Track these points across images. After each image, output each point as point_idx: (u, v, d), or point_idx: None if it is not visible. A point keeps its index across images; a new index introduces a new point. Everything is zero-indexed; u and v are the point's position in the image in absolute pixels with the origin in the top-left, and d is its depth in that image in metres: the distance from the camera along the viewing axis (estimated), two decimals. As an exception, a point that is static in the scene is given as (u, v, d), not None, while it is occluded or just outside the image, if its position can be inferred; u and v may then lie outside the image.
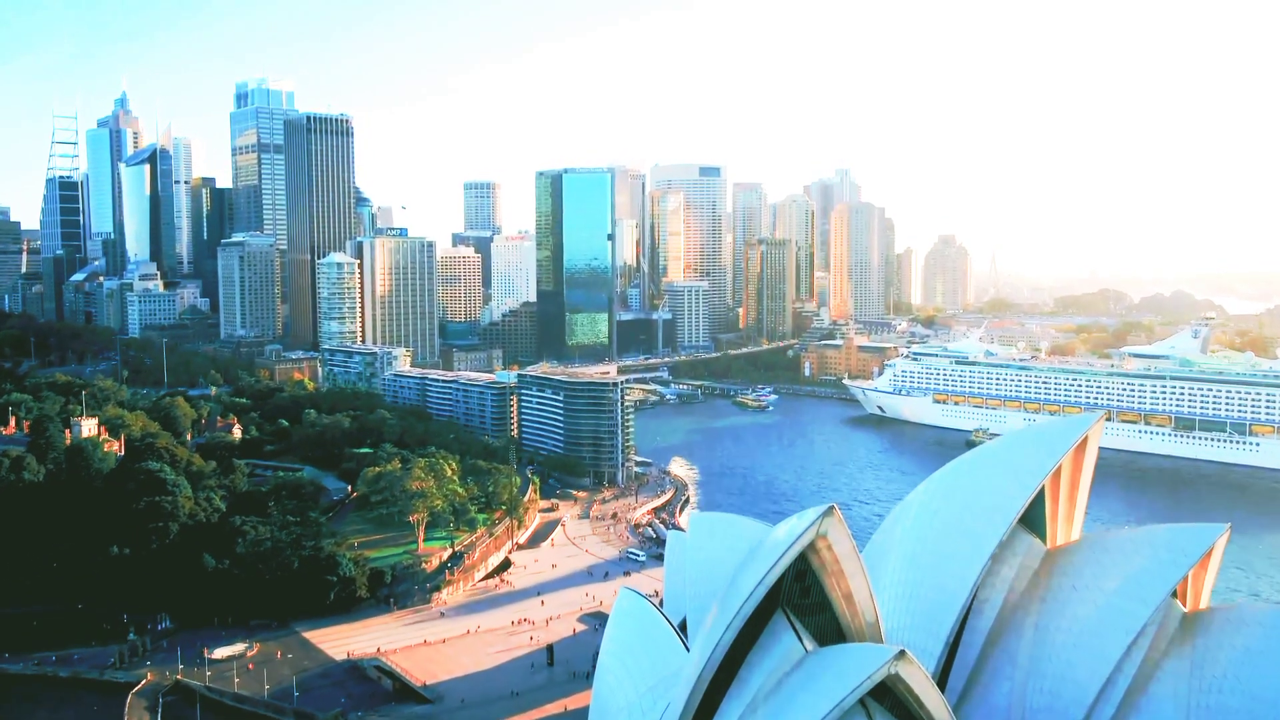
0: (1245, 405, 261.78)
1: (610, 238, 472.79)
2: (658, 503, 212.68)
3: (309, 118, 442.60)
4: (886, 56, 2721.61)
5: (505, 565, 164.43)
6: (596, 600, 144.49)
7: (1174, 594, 79.62)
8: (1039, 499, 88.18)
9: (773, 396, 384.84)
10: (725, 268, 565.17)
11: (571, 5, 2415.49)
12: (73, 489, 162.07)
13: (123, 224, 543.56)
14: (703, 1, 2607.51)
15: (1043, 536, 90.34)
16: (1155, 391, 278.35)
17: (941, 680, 79.54)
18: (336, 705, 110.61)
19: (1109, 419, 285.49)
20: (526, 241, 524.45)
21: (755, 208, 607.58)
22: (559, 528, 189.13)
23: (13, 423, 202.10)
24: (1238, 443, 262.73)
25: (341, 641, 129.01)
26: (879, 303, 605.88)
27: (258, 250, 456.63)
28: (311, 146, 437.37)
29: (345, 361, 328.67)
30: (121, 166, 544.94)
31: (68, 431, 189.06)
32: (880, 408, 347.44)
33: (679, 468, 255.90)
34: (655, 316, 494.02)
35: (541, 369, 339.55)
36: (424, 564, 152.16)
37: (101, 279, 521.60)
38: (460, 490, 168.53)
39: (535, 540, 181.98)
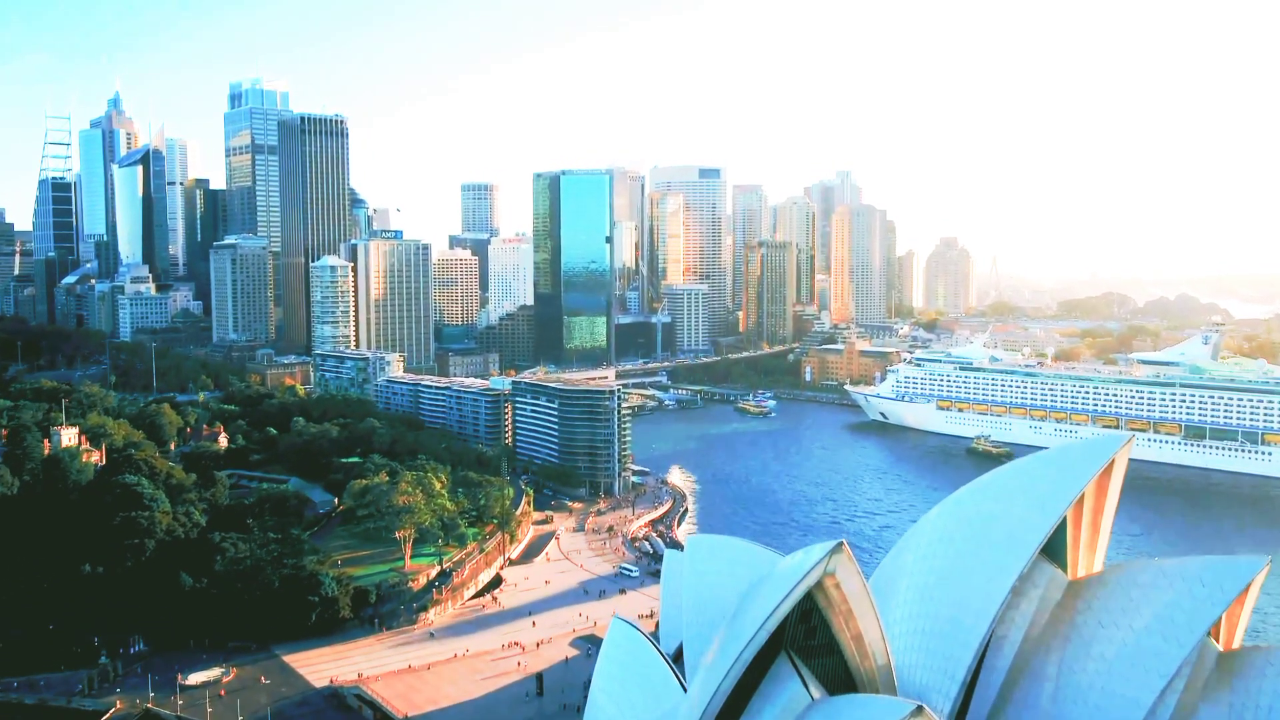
0: (1257, 414, 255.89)
1: (609, 240, 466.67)
2: (655, 515, 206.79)
3: (303, 118, 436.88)
4: (887, 57, 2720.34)
5: (496, 582, 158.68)
6: (590, 621, 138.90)
7: (1209, 632, 73.90)
8: (1060, 526, 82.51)
9: (773, 402, 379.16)
10: (725, 270, 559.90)
11: (572, 7, 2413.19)
12: (48, 502, 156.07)
13: (115, 225, 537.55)
14: (703, 3, 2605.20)
15: (1063, 566, 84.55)
16: (1165, 399, 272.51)
17: (957, 726, 73.91)
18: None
19: (1115, 426, 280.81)
20: (524, 244, 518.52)
21: (755, 210, 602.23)
22: (553, 541, 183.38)
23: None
24: (1249, 452, 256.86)
25: (323, 665, 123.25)
26: (880, 306, 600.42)
27: (250, 253, 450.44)
28: (305, 147, 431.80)
29: (337, 367, 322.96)
30: (114, 167, 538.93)
31: (46, 441, 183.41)
32: (883, 414, 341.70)
33: (677, 477, 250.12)
34: (654, 320, 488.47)
35: (538, 374, 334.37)
36: (410, 582, 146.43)
37: (93, 281, 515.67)
38: (449, 504, 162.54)
39: (529, 554, 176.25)
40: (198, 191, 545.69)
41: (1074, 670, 75.41)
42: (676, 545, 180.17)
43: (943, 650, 78.21)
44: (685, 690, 74.75)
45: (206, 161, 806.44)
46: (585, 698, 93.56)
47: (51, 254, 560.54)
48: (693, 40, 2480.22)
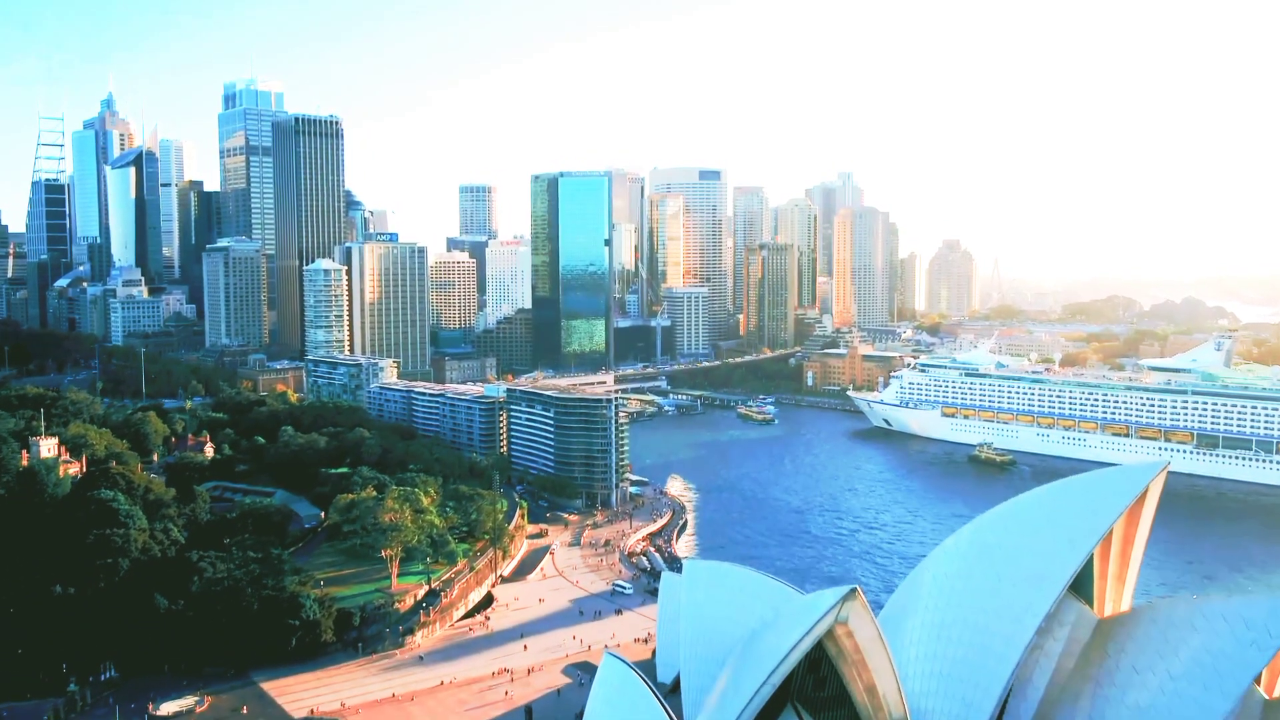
0: (1273, 422, 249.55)
1: (607, 242, 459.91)
2: (653, 528, 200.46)
3: (297, 119, 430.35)
4: (888, 59, 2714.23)
5: (488, 601, 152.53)
6: (584, 645, 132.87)
7: (1255, 680, 67.64)
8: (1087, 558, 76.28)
9: (774, 407, 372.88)
10: (725, 273, 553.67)
11: (571, 8, 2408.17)
12: (22, 518, 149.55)
13: (108, 228, 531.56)
14: (703, 4, 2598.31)
15: (1090, 602, 78.34)
16: (1176, 407, 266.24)
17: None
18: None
19: (1125, 434, 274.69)
20: (522, 246, 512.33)
21: (756, 212, 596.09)
22: (547, 557, 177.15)
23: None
24: (1263, 461, 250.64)
25: (303, 693, 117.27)
26: (883, 309, 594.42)
27: (243, 256, 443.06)
28: (300, 149, 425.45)
29: (330, 373, 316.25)
30: (107, 169, 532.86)
31: (25, 452, 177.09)
32: (886, 421, 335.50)
33: (677, 487, 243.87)
34: (654, 323, 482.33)
35: (535, 379, 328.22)
36: (397, 604, 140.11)
37: (86, 284, 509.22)
38: (438, 521, 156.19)
39: (522, 570, 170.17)
40: (192, 193, 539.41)
41: (1105, 719, 69.23)
42: (675, 561, 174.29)
43: (962, 695, 72.18)
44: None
45: (201, 163, 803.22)
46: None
47: (44, 257, 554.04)
48: (693, 41, 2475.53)
